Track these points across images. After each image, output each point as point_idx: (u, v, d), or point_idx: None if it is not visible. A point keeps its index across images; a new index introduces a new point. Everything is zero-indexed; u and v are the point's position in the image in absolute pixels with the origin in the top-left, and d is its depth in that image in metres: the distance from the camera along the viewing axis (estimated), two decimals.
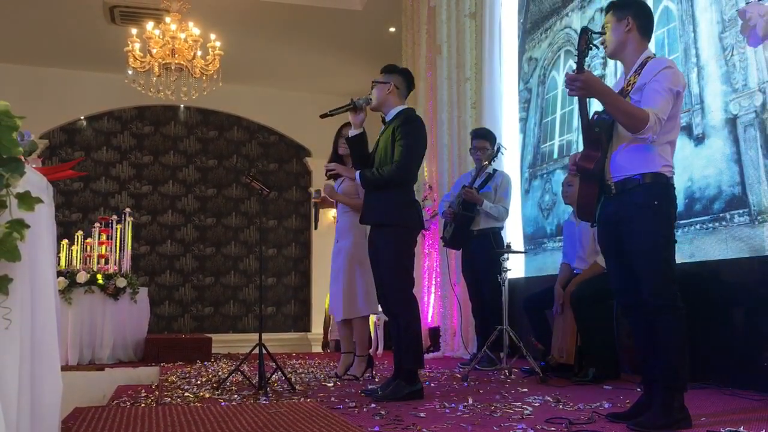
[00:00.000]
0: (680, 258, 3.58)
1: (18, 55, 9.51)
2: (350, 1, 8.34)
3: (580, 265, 4.62)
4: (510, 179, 5.57)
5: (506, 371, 4.61)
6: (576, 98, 2.88)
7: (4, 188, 1.67)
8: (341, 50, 9.43)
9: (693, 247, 4.24)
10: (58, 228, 2.68)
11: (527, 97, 6.43)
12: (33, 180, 1.83)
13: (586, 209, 2.96)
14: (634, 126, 2.70)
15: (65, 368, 5.00)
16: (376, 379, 4.57)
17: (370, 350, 6.47)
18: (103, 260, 6.45)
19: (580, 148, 3.35)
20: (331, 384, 4.34)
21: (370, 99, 3.89)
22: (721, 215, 4.06)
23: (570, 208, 4.89)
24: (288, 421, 2.90)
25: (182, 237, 10.72)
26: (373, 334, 7.15)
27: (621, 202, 2.81)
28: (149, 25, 7.28)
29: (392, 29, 8.77)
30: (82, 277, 6.02)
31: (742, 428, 2.52)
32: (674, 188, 2.84)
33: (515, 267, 5.65)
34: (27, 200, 1.71)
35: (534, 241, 6.16)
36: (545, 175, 6.05)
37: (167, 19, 7.34)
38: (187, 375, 4.95)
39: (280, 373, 4.29)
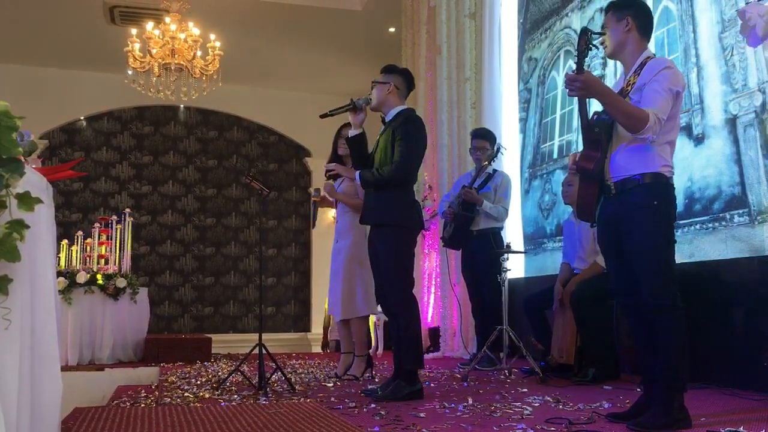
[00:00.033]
0: (680, 258, 3.58)
1: (18, 55, 9.51)
2: (350, 1, 8.35)
3: (579, 265, 4.62)
4: (510, 179, 5.57)
5: (506, 371, 4.61)
6: (576, 98, 2.88)
7: (4, 188, 1.67)
8: (341, 50, 9.43)
9: (693, 247, 4.24)
10: (58, 228, 2.69)
11: (527, 97, 6.43)
12: (33, 180, 1.83)
13: (586, 209, 2.96)
14: (634, 126, 2.70)
15: (65, 368, 5.00)
16: (376, 380, 4.57)
17: (370, 350, 6.48)
18: (103, 260, 6.45)
19: (580, 148, 3.35)
20: (331, 384, 4.34)
21: (370, 99, 3.89)
22: (720, 215, 4.06)
23: (570, 208, 4.89)
24: (288, 422, 2.90)
25: (182, 237, 10.72)
26: (373, 335, 7.15)
27: (621, 202, 2.81)
28: (149, 25, 7.28)
29: (392, 29, 8.77)
30: (81, 277, 6.02)
31: (741, 428, 2.52)
32: (674, 188, 2.84)
33: (515, 267, 5.65)
34: (27, 200, 1.71)
35: (534, 241, 6.16)
36: (545, 175, 6.05)
37: (167, 20, 7.34)
38: (187, 375, 4.95)
39: (279, 373, 4.29)
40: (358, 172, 3.89)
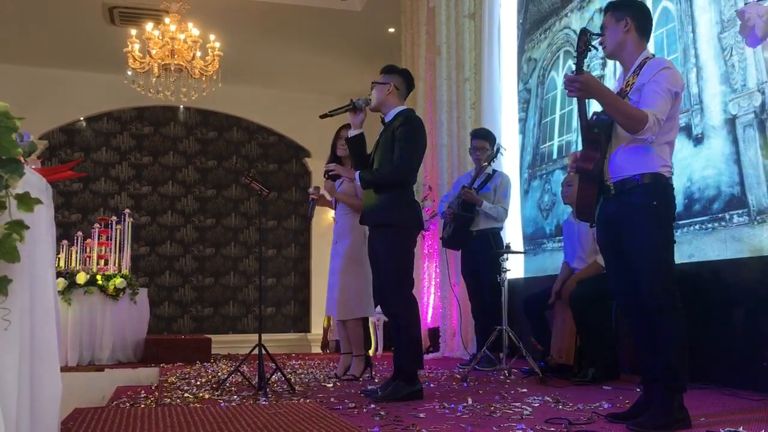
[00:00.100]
0: (680, 258, 3.58)
1: (17, 56, 9.51)
2: (350, 1, 8.35)
3: (579, 265, 4.62)
4: (509, 180, 5.57)
5: (506, 372, 4.61)
6: (575, 99, 2.88)
7: (4, 189, 1.67)
8: (341, 51, 9.44)
9: (692, 247, 4.24)
10: (57, 229, 2.69)
11: (526, 98, 6.43)
12: (32, 181, 1.83)
13: (585, 210, 2.96)
14: (633, 127, 2.70)
15: (65, 369, 5.00)
16: (376, 380, 4.57)
17: (370, 351, 6.48)
18: (102, 261, 6.45)
19: (580, 148, 3.35)
20: (331, 384, 4.34)
21: (370, 99, 3.89)
22: (720, 215, 4.06)
23: (569, 208, 4.89)
24: (287, 422, 2.90)
25: (182, 238, 10.72)
26: (372, 335, 7.16)
27: (620, 203, 2.82)
28: (149, 25, 7.29)
29: (391, 30, 8.78)
30: (81, 278, 6.02)
31: (741, 428, 2.52)
32: (673, 188, 2.84)
33: (515, 267, 5.66)
34: (26, 201, 1.71)
35: (533, 241, 6.16)
36: (544, 176, 6.05)
37: (167, 20, 7.35)
38: (187, 376, 4.95)
39: (279, 373, 4.29)
40: (357, 173, 3.89)
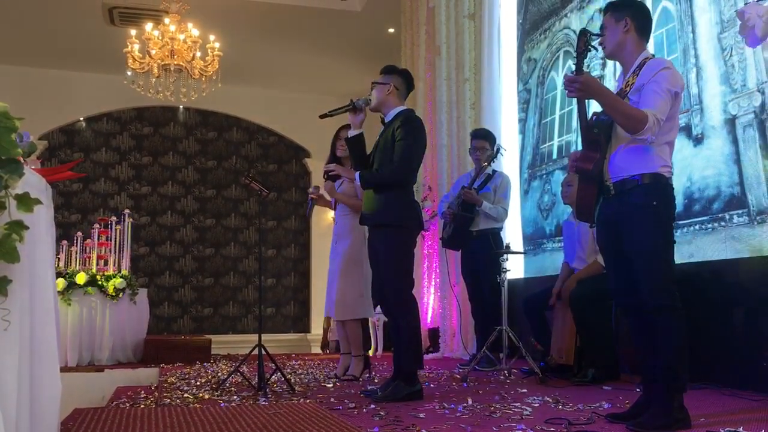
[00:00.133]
0: (680, 258, 3.58)
1: (17, 57, 9.51)
2: (350, 1, 8.35)
3: (579, 265, 4.62)
4: (509, 180, 5.57)
5: (505, 372, 4.61)
6: (575, 99, 2.88)
7: (3, 189, 1.67)
8: (340, 51, 9.44)
9: (692, 247, 4.24)
10: (57, 229, 2.69)
11: (526, 98, 6.43)
12: (32, 181, 1.83)
13: (585, 210, 2.96)
14: (633, 127, 2.70)
15: (64, 369, 5.00)
16: (376, 380, 4.57)
17: (370, 351, 6.47)
18: (102, 261, 6.45)
19: (579, 148, 3.35)
20: (331, 385, 4.34)
21: (370, 100, 3.89)
22: (720, 215, 4.06)
23: (569, 209, 4.89)
24: (287, 422, 2.90)
25: (182, 238, 10.72)
26: (372, 335, 7.16)
27: (620, 203, 2.82)
28: (148, 26, 7.28)
29: (391, 30, 8.78)
30: (81, 278, 6.02)
31: (741, 429, 2.52)
32: (673, 189, 2.84)
33: (514, 267, 5.65)
34: (26, 201, 1.71)
35: (533, 241, 6.16)
36: (544, 176, 6.05)
37: (166, 20, 7.34)
38: (187, 376, 4.95)
39: (279, 374, 4.29)
40: (357, 173, 3.89)
